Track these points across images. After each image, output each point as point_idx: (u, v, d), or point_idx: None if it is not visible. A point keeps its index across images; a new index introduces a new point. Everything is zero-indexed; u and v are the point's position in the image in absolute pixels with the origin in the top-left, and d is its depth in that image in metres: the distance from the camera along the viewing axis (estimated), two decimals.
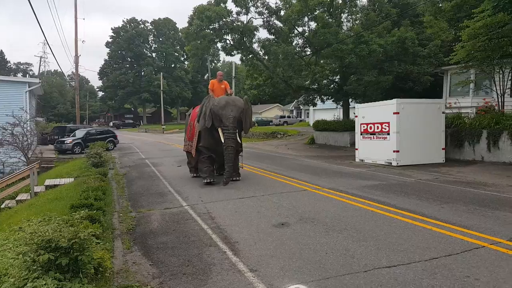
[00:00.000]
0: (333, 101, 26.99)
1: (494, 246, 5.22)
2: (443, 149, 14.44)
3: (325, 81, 24.91)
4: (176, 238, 6.16)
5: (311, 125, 32.86)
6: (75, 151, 24.34)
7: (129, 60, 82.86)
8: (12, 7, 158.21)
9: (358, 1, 22.64)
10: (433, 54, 21.09)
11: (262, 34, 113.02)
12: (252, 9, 23.06)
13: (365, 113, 15.44)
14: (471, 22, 14.27)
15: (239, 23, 23.32)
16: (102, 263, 4.46)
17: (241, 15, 23.35)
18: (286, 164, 15.24)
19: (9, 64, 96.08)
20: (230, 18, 23.16)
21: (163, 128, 54.73)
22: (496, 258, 4.81)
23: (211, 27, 22.91)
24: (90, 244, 4.25)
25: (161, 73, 68.96)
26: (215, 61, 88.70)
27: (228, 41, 24.54)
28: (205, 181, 10.86)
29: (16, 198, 12.53)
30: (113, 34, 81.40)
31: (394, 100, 14.02)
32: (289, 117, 57.11)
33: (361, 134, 15.57)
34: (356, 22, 22.85)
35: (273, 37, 23.79)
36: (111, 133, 28.77)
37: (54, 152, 24.51)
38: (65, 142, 24.83)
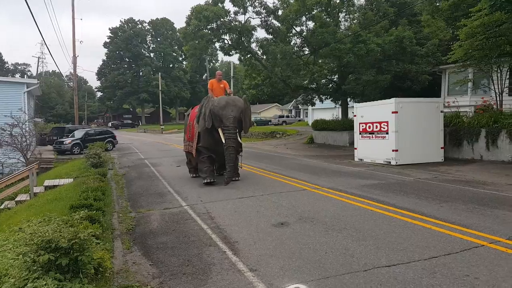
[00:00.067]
0: (331, 100, 27.00)
1: (493, 245, 5.23)
2: (442, 148, 14.46)
3: (323, 80, 24.92)
4: (175, 238, 6.16)
5: (310, 124, 32.91)
6: (74, 151, 24.33)
7: (127, 60, 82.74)
8: (9, 7, 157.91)
9: (355, 1, 22.67)
10: (431, 53, 21.14)
11: (260, 34, 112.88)
12: (249, 8, 23.05)
13: (363, 112, 15.46)
14: (468, 21, 14.32)
15: (237, 23, 23.30)
16: (102, 263, 4.46)
17: (238, 15, 23.34)
18: (285, 164, 15.25)
19: (7, 65, 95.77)
20: (228, 18, 23.12)
21: (161, 128, 54.68)
22: (495, 256, 4.82)
23: (209, 27, 22.87)
24: (90, 244, 4.25)
25: (159, 73, 68.90)
26: (213, 61, 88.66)
27: (226, 41, 24.52)
28: (205, 181, 10.83)
29: (16, 199, 12.53)
30: (110, 35, 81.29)
31: (393, 100, 14.04)
32: (288, 116, 57.13)
33: (360, 134, 15.59)
34: (354, 21, 22.88)
35: (271, 36, 23.76)
36: (110, 134, 28.74)
37: (53, 152, 24.48)
38: (64, 143, 24.81)
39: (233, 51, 25.38)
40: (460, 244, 5.28)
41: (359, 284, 4.16)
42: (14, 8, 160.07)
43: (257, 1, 22.73)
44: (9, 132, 19.22)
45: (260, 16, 23.30)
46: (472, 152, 14.38)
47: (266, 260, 4.98)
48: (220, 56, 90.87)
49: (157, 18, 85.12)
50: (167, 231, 6.57)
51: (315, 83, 24.47)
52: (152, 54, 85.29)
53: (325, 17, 20.93)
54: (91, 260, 4.12)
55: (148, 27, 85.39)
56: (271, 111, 68.08)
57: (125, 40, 79.31)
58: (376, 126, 14.62)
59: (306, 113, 52.66)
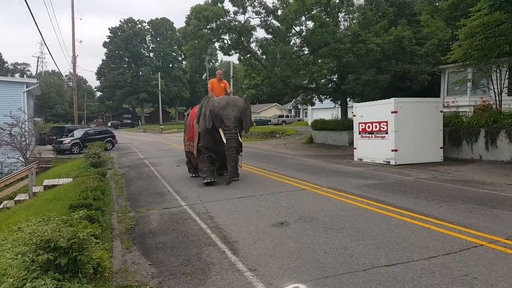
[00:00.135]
0: (331, 100, 27.01)
1: (492, 244, 5.24)
2: (441, 148, 14.47)
3: (323, 80, 24.93)
4: (175, 237, 6.16)
5: (310, 124, 32.89)
6: (74, 151, 24.32)
7: (127, 60, 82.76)
8: (8, 7, 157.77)
9: (355, 1, 22.71)
10: (431, 53, 21.15)
11: (260, 33, 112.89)
12: (249, 8, 23.07)
13: (363, 112, 15.47)
14: (468, 21, 14.32)
15: (236, 22, 23.31)
16: (101, 263, 4.45)
17: (238, 14, 23.36)
18: (284, 164, 15.25)
19: (6, 65, 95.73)
20: (228, 17, 23.14)
21: (161, 128, 54.65)
22: (494, 256, 4.83)
23: (208, 26, 22.87)
24: (89, 244, 4.25)
25: (159, 73, 68.89)
26: (213, 61, 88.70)
27: (225, 41, 24.52)
28: (205, 181, 10.77)
29: (15, 199, 12.52)
30: (110, 34, 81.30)
31: (392, 99, 14.04)
32: (287, 116, 57.12)
33: (359, 133, 15.59)
34: (354, 21, 22.89)
35: (271, 36, 23.78)
36: (109, 133, 28.73)
37: (52, 152, 24.46)
38: (64, 142, 24.80)
39: (232, 51, 25.39)
40: (459, 244, 5.28)
41: (358, 284, 4.16)
42: (14, 7, 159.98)
43: (256, 1, 22.77)
44: (8, 132, 19.22)
45: (259, 16, 23.34)
46: (472, 152, 14.38)
47: (266, 260, 4.98)
48: (220, 56, 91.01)
49: (156, 18, 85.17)
50: (166, 231, 6.56)
51: (314, 83, 24.48)
52: (151, 54, 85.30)
53: (324, 17, 20.95)
54: (90, 259, 4.12)
55: (147, 27, 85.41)
56: (270, 111, 68.12)
57: (125, 40, 79.31)
58: (376, 126, 14.63)
59: (306, 113, 52.67)
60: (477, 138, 14.16)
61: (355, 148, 15.96)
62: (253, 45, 24.48)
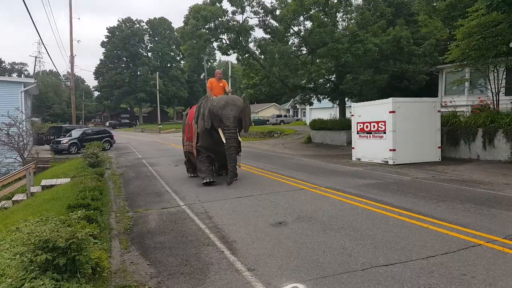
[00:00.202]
0: (329, 100, 27.06)
1: (490, 244, 5.26)
2: (439, 147, 14.50)
3: (321, 80, 24.96)
4: (173, 237, 6.16)
5: (308, 124, 32.94)
6: (71, 151, 24.28)
7: (125, 59, 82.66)
8: (6, 6, 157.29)
9: (353, 1, 22.76)
10: (428, 53, 21.19)
11: (258, 33, 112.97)
12: (247, 8, 23.09)
13: (361, 112, 15.49)
14: (465, 21, 14.37)
15: (234, 22, 23.31)
16: (100, 263, 4.44)
17: (236, 14, 23.37)
18: (283, 163, 15.25)
19: (3, 64, 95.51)
20: (226, 17, 23.15)
21: (159, 127, 54.58)
22: (492, 256, 4.84)
23: (207, 26, 22.87)
24: (88, 244, 4.23)
25: (157, 72, 68.81)
26: (211, 61, 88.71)
27: (224, 41, 24.53)
28: (205, 181, 10.69)
29: (12, 199, 12.48)
30: (108, 34, 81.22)
31: (390, 99, 14.06)
32: (285, 116, 57.14)
33: (357, 133, 15.61)
34: (352, 21, 22.90)
35: (269, 36, 23.80)
36: (107, 133, 28.67)
37: (50, 152, 24.39)
38: (61, 142, 24.74)
39: (231, 51, 25.39)
40: (458, 244, 5.30)
41: (357, 284, 4.17)
42: (11, 7, 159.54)
43: (255, 1, 22.78)
44: (6, 132, 19.15)
45: (258, 16, 23.34)
46: (469, 152, 14.42)
47: (264, 260, 4.98)
48: (218, 55, 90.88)
49: (154, 18, 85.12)
50: (165, 231, 6.56)
51: (312, 83, 24.50)
52: (149, 54, 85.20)
53: (322, 17, 20.96)
54: (88, 260, 4.11)
55: (145, 26, 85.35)
56: (269, 111, 68.19)
57: (123, 40, 79.22)
58: (374, 126, 14.65)
59: (304, 112, 52.74)
60: (474, 137, 14.20)
61: (353, 148, 15.98)
62: (251, 45, 24.54)
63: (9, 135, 19.22)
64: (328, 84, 25.72)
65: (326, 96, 26.02)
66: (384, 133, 14.14)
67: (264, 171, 13.14)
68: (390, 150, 13.89)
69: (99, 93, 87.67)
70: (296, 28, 23.31)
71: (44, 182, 13.08)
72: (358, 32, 19.93)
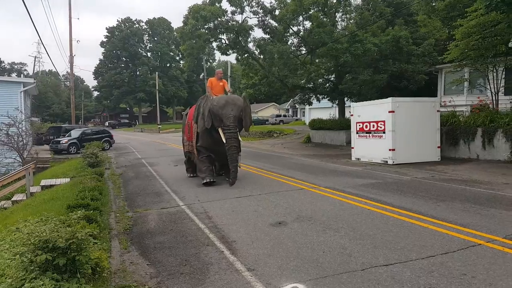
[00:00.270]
0: (328, 100, 27.04)
1: (490, 243, 5.26)
2: (438, 147, 14.51)
3: (320, 80, 24.95)
4: (173, 237, 6.15)
5: (307, 124, 32.91)
6: (71, 151, 24.25)
7: (124, 59, 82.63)
8: (5, 6, 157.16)
9: (352, 1, 22.78)
10: (427, 53, 21.20)
11: (257, 33, 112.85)
12: (247, 8, 23.07)
13: (360, 111, 15.49)
14: (464, 21, 14.38)
15: (234, 22, 23.30)
16: (100, 263, 4.44)
17: (236, 14, 23.36)
18: (282, 163, 15.25)
19: (3, 64, 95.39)
20: (225, 17, 23.14)
21: (159, 127, 54.55)
22: (492, 255, 4.85)
23: (206, 26, 22.86)
24: (88, 244, 4.23)
25: (157, 72, 68.83)
26: (211, 61, 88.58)
27: (223, 41, 24.51)
28: (205, 181, 10.64)
29: (12, 199, 12.47)
30: (107, 34, 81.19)
31: (390, 99, 14.07)
32: (285, 116, 57.12)
33: (357, 133, 15.62)
34: (351, 21, 22.92)
35: (268, 36, 23.79)
36: (106, 133, 28.66)
37: (49, 152, 24.37)
38: (61, 142, 24.73)
39: (230, 51, 25.38)
40: (457, 243, 5.30)
41: (357, 284, 4.17)
42: (11, 7, 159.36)
43: (254, 1, 22.76)
44: (5, 132, 19.14)
45: (257, 16, 23.33)
46: (469, 151, 14.44)
47: (264, 260, 4.98)
48: (217, 55, 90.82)
49: (154, 18, 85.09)
50: (164, 231, 6.55)
51: (312, 83, 24.51)
52: (149, 54, 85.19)
53: (322, 17, 20.96)
54: (88, 260, 4.10)
55: (145, 26, 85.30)
56: (268, 111, 68.18)
57: (122, 40, 79.19)
58: (373, 126, 14.65)
59: (303, 112, 52.70)
60: (474, 137, 14.21)
61: (352, 148, 15.98)
62: (250, 45, 24.53)
63: (9, 135, 19.21)
64: (328, 84, 25.72)
65: (325, 96, 26.01)
66: (384, 133, 14.15)
67: (264, 171, 13.14)
68: (390, 150, 13.90)
69: (98, 93, 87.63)
70: (295, 28, 23.32)
71: (44, 182, 13.07)
72: (357, 32, 19.94)
